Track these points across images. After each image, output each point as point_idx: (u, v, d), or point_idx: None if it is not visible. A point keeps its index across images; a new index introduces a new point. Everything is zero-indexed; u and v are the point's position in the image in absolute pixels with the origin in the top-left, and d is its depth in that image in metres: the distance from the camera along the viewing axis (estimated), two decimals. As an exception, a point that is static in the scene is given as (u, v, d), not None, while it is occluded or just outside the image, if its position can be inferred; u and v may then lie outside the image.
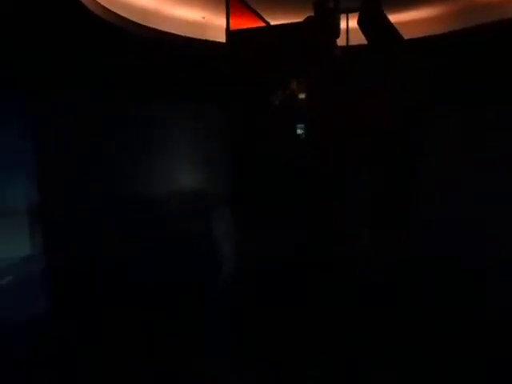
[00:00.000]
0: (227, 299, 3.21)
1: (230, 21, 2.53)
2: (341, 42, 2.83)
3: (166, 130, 3.79)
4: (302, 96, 2.42)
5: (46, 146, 3.44)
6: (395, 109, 2.46)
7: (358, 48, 2.85)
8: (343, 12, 2.76)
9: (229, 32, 2.44)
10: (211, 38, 3.69)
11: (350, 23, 3.07)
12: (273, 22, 2.89)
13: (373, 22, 2.55)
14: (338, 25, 2.64)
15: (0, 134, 3.34)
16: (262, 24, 2.80)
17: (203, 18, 3.86)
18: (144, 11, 3.46)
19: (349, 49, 3.08)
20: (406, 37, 2.81)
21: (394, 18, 2.90)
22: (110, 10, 3.11)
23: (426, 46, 3.40)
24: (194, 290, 3.51)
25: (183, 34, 3.71)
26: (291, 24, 2.48)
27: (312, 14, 2.55)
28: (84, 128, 3.45)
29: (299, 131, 2.43)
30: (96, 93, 3.42)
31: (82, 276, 3.41)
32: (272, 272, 2.68)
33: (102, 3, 3.05)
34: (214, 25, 3.81)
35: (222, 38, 2.64)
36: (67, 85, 3.29)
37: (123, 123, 3.60)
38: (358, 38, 2.81)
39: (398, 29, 2.70)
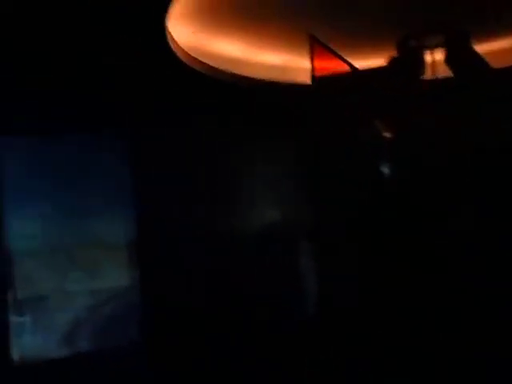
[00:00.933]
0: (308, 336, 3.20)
1: (314, 64, 2.63)
2: (427, 75, 2.81)
3: (255, 168, 3.97)
4: (387, 135, 2.43)
5: (145, 182, 3.76)
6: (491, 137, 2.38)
7: (445, 81, 2.80)
8: (428, 48, 2.75)
9: (314, 77, 2.54)
10: (293, 81, 3.84)
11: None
12: (356, 63, 2.95)
13: (460, 59, 2.52)
14: (423, 62, 2.64)
15: (100, 171, 3.73)
16: (344, 65, 2.87)
17: (286, 61, 4.03)
18: (229, 59, 3.72)
19: (435, 82, 3.03)
20: (496, 66, 2.72)
21: (482, 47, 2.83)
22: (199, 60, 3.39)
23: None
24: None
25: (266, 78, 3.91)
26: (377, 67, 2.53)
27: (395, 55, 2.58)
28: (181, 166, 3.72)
29: (386, 171, 2.42)
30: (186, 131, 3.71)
31: (177, 306, 3.60)
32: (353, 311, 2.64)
33: (194, 55, 3.35)
34: (295, 67, 3.96)
35: (303, 80, 2.76)
36: (164, 127, 3.62)
37: (214, 161, 3.84)
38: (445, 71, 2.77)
39: (488, 59, 2.63)
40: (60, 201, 3.61)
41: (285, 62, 4.05)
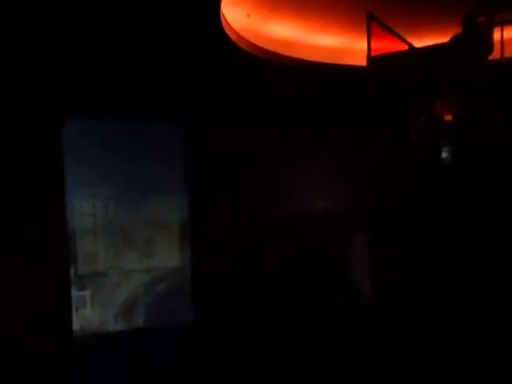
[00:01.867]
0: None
1: (373, 45, 2.52)
2: (495, 55, 2.61)
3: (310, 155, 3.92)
4: (448, 118, 2.28)
5: (199, 167, 3.83)
6: None
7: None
8: (498, 25, 2.54)
9: (370, 58, 2.43)
10: (351, 63, 3.71)
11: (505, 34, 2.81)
12: (415, 43, 2.79)
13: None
14: (492, 40, 2.45)
15: (157, 154, 3.83)
16: (404, 46, 2.72)
17: (341, 43, 3.90)
18: (285, 42, 3.66)
19: (504, 62, 2.80)
20: None
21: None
22: (254, 44, 3.36)
23: None
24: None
25: (323, 61, 3.81)
26: (436, 46, 2.37)
27: (459, 33, 2.41)
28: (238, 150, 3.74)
29: (445, 154, 2.29)
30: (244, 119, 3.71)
31: (228, 286, 3.67)
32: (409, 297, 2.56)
33: (247, 37, 3.33)
34: (353, 49, 3.82)
35: (361, 62, 2.65)
36: (220, 112, 3.64)
37: (271, 146, 3.82)
38: None
39: None
40: (119, 182, 3.75)
41: (342, 44, 3.93)
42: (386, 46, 2.59)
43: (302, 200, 3.86)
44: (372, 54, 2.42)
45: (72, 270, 3.56)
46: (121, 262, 3.78)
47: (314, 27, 3.60)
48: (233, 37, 3.00)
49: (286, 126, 3.74)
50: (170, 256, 3.89)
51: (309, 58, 3.79)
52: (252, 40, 3.39)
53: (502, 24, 2.63)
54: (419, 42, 2.80)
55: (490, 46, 2.38)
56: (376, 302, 2.82)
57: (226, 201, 3.74)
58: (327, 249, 3.60)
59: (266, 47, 3.53)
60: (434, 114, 2.31)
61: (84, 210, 3.70)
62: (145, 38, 2.84)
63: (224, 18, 2.91)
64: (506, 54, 2.81)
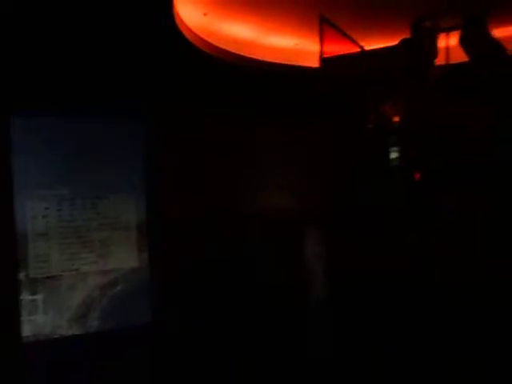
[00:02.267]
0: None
1: (325, 47, 2.59)
2: (440, 60, 2.74)
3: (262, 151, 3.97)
4: (395, 119, 2.38)
5: (155, 165, 3.79)
6: (495, 117, 2.33)
7: (459, 66, 2.73)
8: (443, 31, 2.67)
9: (322, 58, 2.50)
10: (305, 64, 3.79)
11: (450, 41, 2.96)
12: (367, 46, 2.90)
13: (477, 41, 2.44)
14: (436, 45, 2.57)
15: (113, 154, 3.76)
16: (356, 48, 2.82)
17: (296, 44, 3.98)
18: (241, 42, 3.69)
19: (448, 67, 2.95)
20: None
21: (499, 32, 2.74)
22: (209, 43, 3.37)
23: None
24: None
25: (278, 62, 3.87)
26: (386, 48, 2.47)
27: (407, 37, 2.51)
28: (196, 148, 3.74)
29: (393, 155, 2.39)
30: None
31: (187, 286, 3.65)
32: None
33: (205, 37, 3.33)
34: (307, 51, 3.91)
35: (315, 64, 2.71)
36: (175, 110, 3.62)
37: (227, 144, 3.84)
38: (459, 56, 2.70)
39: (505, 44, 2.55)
40: (73, 183, 3.65)
41: (297, 45, 4.01)
42: (338, 48, 2.68)
43: (260, 196, 3.91)
44: (324, 55, 2.49)
45: (23, 274, 3.44)
46: (75, 265, 3.69)
47: (270, 28, 3.66)
48: (188, 35, 2.99)
49: (241, 123, 3.78)
50: (126, 257, 3.82)
51: (265, 59, 3.86)
52: (209, 39, 3.40)
53: (448, 30, 2.77)
54: (370, 46, 2.90)
55: (434, 51, 2.50)
56: (328, 293, 2.90)
57: (183, 199, 3.72)
58: (284, 243, 3.66)
59: (223, 47, 3.56)
60: (383, 115, 2.41)
61: (36, 211, 3.57)
62: (96, 35, 2.79)
63: (179, 16, 2.90)
64: (452, 60, 2.98)
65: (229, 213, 3.74)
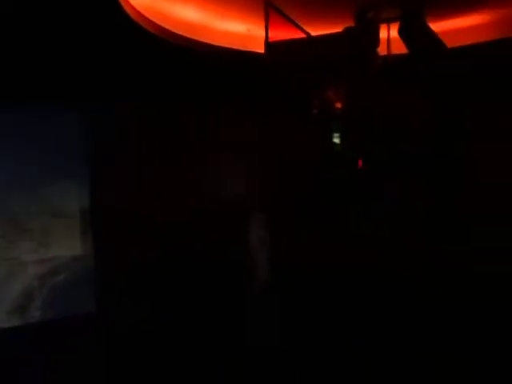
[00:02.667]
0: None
1: (270, 33, 2.60)
2: (382, 51, 2.83)
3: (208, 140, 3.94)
4: (339, 105, 2.44)
5: (99, 152, 3.68)
6: (434, 108, 2.43)
7: (400, 57, 2.83)
8: (384, 22, 2.76)
9: (268, 43, 2.51)
10: (255, 50, 3.78)
11: (391, 33, 3.06)
12: (313, 33, 2.93)
13: (414, 32, 2.54)
14: (378, 34, 2.65)
15: (53, 140, 3.62)
16: (302, 35, 2.84)
17: (248, 30, 3.96)
18: (190, 25, 3.62)
19: (390, 58, 3.05)
20: (450, 45, 2.75)
21: (437, 26, 2.86)
22: (157, 24, 3.28)
23: (470, 54, 3.31)
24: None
25: (228, 46, 3.84)
26: (331, 35, 2.52)
27: (351, 25, 2.57)
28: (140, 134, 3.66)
29: (336, 140, 2.45)
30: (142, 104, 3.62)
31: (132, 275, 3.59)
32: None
33: (151, 18, 3.23)
34: (259, 36, 3.90)
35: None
36: (121, 96, 3.51)
37: (173, 131, 3.78)
38: (400, 47, 2.80)
39: (442, 37, 2.66)
40: (12, 170, 3.50)
41: (249, 30, 3.99)
42: (285, 34, 2.70)
43: (206, 184, 3.90)
44: (270, 40, 2.50)
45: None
46: (14, 254, 3.54)
47: (221, 12, 3.61)
48: (134, 15, 2.90)
49: (188, 110, 3.74)
50: (69, 245, 3.71)
51: (217, 43, 3.81)
52: (157, 21, 3.31)
53: (389, 21, 2.86)
54: (317, 33, 2.94)
55: (376, 41, 2.59)
56: (275, 282, 2.95)
57: (128, 186, 3.64)
58: (230, 230, 3.68)
59: (172, 29, 3.48)
60: (326, 101, 2.46)
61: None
62: (38, 21, 2.65)
63: (124, -5, 2.81)
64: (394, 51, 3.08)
65: (174, 200, 3.70)
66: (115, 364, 3.49)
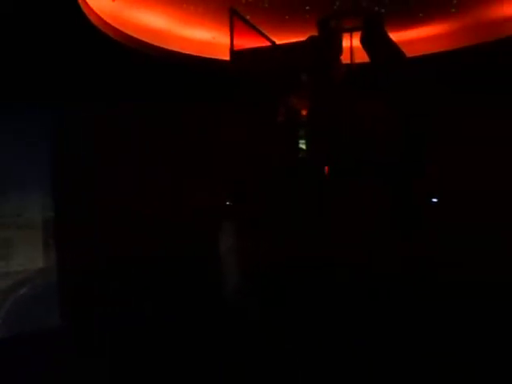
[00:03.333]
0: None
1: (236, 41, 2.61)
2: (345, 59, 2.89)
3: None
4: (304, 113, 2.47)
5: (62, 161, 3.58)
6: (398, 117, 2.49)
7: (362, 65, 2.90)
8: (347, 31, 2.81)
9: (233, 51, 2.52)
10: (220, 57, 3.80)
11: (354, 41, 3.13)
12: (278, 41, 2.97)
13: (375, 41, 2.60)
14: (341, 43, 2.70)
15: (15, 148, 3.50)
16: (267, 43, 2.87)
17: (213, 38, 3.98)
18: (156, 32, 3.60)
19: (353, 66, 3.12)
20: (409, 54, 2.84)
21: (397, 36, 2.95)
22: (120, 31, 3.24)
23: (429, 63, 3.44)
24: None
25: (194, 54, 3.84)
26: (294, 43, 2.55)
27: (314, 34, 2.62)
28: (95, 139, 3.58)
29: (301, 146, 2.47)
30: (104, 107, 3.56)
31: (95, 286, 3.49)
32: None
33: (114, 24, 3.20)
34: (224, 44, 3.92)
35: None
36: (83, 101, 3.43)
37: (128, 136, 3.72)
38: (363, 56, 2.87)
39: (401, 47, 2.73)
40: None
41: (214, 38, 4.00)
42: (250, 42, 2.72)
43: (173, 193, 3.85)
44: (234, 47, 2.51)
45: None
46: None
47: (186, 20, 3.62)
48: (96, 21, 2.86)
49: (152, 115, 3.70)
50: (31, 257, 3.58)
51: (182, 51, 3.81)
52: (121, 28, 3.27)
53: (351, 30, 2.93)
54: (282, 41, 2.98)
55: (339, 50, 2.64)
56: (248, 286, 2.94)
57: (94, 196, 3.56)
58: (199, 238, 3.65)
59: (136, 36, 3.44)
60: (292, 108, 2.49)
61: None
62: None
63: (85, 1, 2.76)
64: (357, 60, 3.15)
65: (141, 209, 3.64)
66: (82, 376, 3.39)
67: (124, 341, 3.30)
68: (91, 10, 2.81)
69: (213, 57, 3.91)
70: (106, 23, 2.98)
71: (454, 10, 3.22)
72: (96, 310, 3.50)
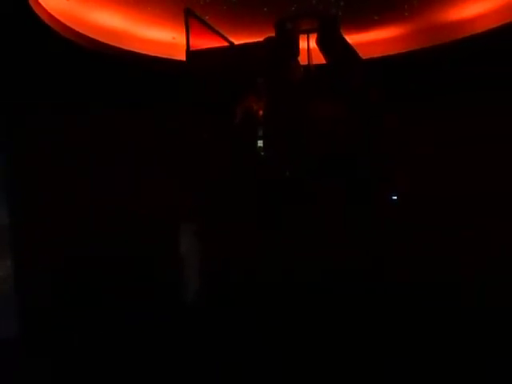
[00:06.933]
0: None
1: (193, 41, 2.60)
2: (302, 60, 2.92)
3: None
4: (261, 113, 2.48)
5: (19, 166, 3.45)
6: (353, 117, 2.54)
7: (319, 66, 2.94)
8: (303, 32, 2.85)
9: (188, 51, 2.51)
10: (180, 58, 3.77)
11: (311, 43, 3.17)
12: (237, 42, 2.97)
13: (331, 43, 2.64)
14: (297, 44, 2.73)
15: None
16: (224, 43, 2.87)
17: (173, 38, 3.93)
18: (115, 33, 3.52)
19: (310, 67, 3.16)
20: (364, 56, 2.90)
21: (353, 38, 3.02)
22: (75, 30, 3.16)
23: (383, 64, 3.53)
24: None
25: (154, 54, 3.79)
26: (251, 44, 2.56)
27: (272, 35, 2.64)
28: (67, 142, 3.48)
29: (259, 144, 2.49)
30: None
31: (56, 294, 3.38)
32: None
33: (73, 27, 3.11)
34: (183, 45, 3.88)
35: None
36: (39, 103, 3.32)
37: (97, 136, 3.63)
38: (320, 58, 2.91)
39: (357, 49, 2.79)
40: None
41: (174, 39, 3.95)
42: (208, 42, 2.71)
43: (134, 195, 3.79)
44: (190, 47, 2.50)
45: None
46: None
47: (144, 20, 3.56)
48: (47, 20, 2.76)
49: (109, 120, 3.63)
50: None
51: (141, 51, 3.74)
52: (76, 27, 3.18)
53: (307, 32, 2.97)
54: (240, 41, 2.98)
55: (296, 51, 2.67)
56: (211, 292, 2.92)
57: (52, 202, 3.44)
58: (161, 240, 3.60)
59: (94, 36, 3.36)
60: (249, 109, 2.50)
61: None
62: None
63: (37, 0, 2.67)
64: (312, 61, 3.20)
65: (101, 214, 3.55)
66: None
67: (84, 342, 3.22)
68: (43, 8, 2.72)
69: (173, 57, 3.87)
70: (59, 22, 2.89)
71: (407, 14, 3.33)
72: (54, 317, 3.40)
